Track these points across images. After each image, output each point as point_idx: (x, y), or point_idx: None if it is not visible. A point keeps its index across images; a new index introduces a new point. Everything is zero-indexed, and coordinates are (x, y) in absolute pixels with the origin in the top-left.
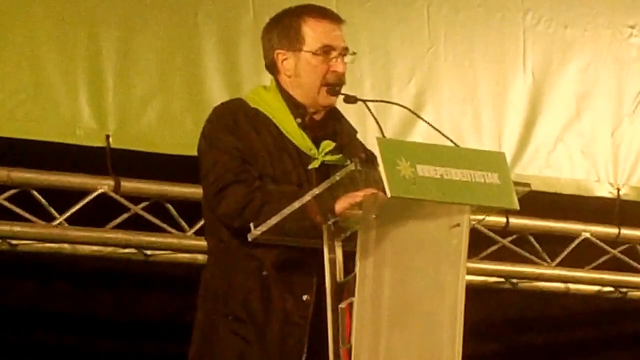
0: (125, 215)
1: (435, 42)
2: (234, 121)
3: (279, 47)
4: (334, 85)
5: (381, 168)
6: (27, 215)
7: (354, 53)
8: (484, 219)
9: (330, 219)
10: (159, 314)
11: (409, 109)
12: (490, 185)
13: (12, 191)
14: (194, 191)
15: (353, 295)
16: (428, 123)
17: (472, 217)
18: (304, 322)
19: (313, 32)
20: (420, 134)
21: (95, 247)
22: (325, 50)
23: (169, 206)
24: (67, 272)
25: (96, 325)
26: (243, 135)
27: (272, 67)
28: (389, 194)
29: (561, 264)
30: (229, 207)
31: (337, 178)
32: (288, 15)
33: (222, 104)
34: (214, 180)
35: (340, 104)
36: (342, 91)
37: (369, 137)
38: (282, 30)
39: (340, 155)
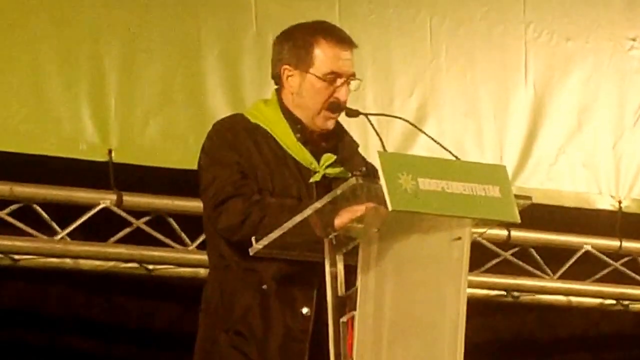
0: (127, 230)
1: (437, 55)
2: (233, 136)
3: (287, 62)
4: (332, 111)
5: (382, 182)
6: (29, 229)
7: (360, 80)
8: (485, 232)
9: (331, 233)
10: (161, 328)
11: (411, 123)
12: (491, 199)
13: (15, 206)
14: (196, 205)
15: (354, 309)
16: (429, 136)
17: (474, 230)
18: (304, 336)
19: (323, 56)
20: (422, 147)
21: (97, 262)
22: (332, 77)
23: (171, 220)
24: (69, 286)
25: (99, 339)
26: (243, 151)
27: (276, 79)
28: (390, 208)
29: (563, 277)
30: (228, 221)
31: (339, 192)
32: (303, 31)
33: (222, 119)
34: (214, 194)
35: (342, 117)
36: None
37: (370, 151)
38: (293, 46)
39: (342, 168)
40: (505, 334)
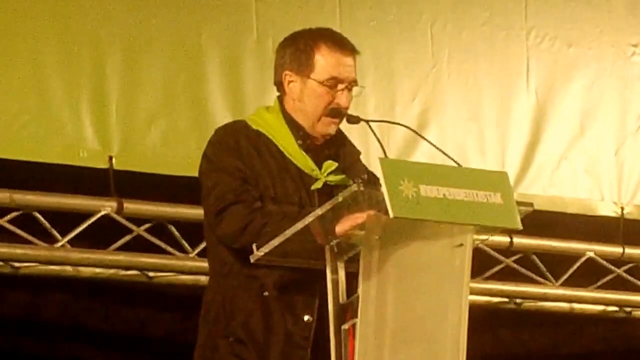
0: (128, 237)
1: (439, 61)
2: (235, 143)
3: (288, 68)
4: (333, 117)
5: (384, 188)
6: (29, 237)
7: (363, 87)
8: (487, 238)
9: (332, 240)
10: (161, 335)
11: (412, 129)
12: (493, 205)
13: (15, 213)
14: (196, 212)
15: (356, 316)
16: (431, 143)
17: (476, 236)
18: (305, 343)
19: (324, 62)
20: (423, 153)
21: (97, 269)
22: (333, 82)
23: (172, 228)
24: (69, 293)
25: (99, 346)
26: (244, 157)
27: (279, 85)
28: (391, 215)
29: (565, 284)
30: (229, 228)
31: (340, 199)
32: (304, 37)
33: (223, 125)
34: (215, 201)
35: (343, 124)
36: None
37: (372, 157)
38: (295, 52)
39: (343, 175)
40: (510, 345)
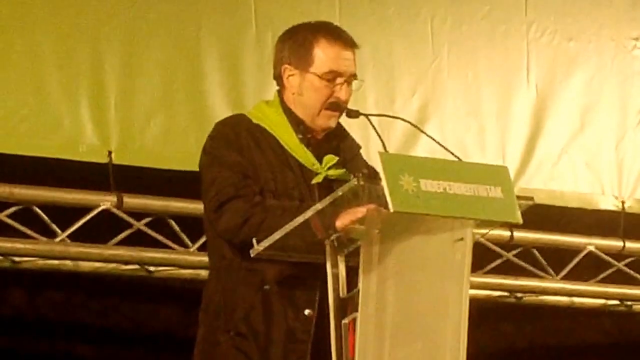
0: (128, 232)
1: (439, 56)
2: (235, 137)
3: (287, 61)
4: (333, 110)
5: (384, 183)
6: (29, 231)
7: (362, 80)
8: (487, 232)
9: (332, 235)
10: (161, 329)
11: (412, 123)
12: (493, 199)
13: (14, 208)
14: (196, 207)
15: (356, 311)
16: (431, 137)
17: (476, 231)
18: (307, 337)
19: (324, 55)
20: (423, 148)
21: (97, 264)
22: (332, 76)
23: (172, 222)
24: (69, 288)
25: (99, 341)
26: (244, 151)
27: (278, 79)
28: (391, 209)
29: (566, 278)
30: (229, 223)
31: (340, 193)
32: (303, 31)
33: (223, 119)
34: (214, 196)
35: (343, 118)
36: None
37: (372, 152)
38: (294, 45)
39: (344, 170)
40: (512, 339)
